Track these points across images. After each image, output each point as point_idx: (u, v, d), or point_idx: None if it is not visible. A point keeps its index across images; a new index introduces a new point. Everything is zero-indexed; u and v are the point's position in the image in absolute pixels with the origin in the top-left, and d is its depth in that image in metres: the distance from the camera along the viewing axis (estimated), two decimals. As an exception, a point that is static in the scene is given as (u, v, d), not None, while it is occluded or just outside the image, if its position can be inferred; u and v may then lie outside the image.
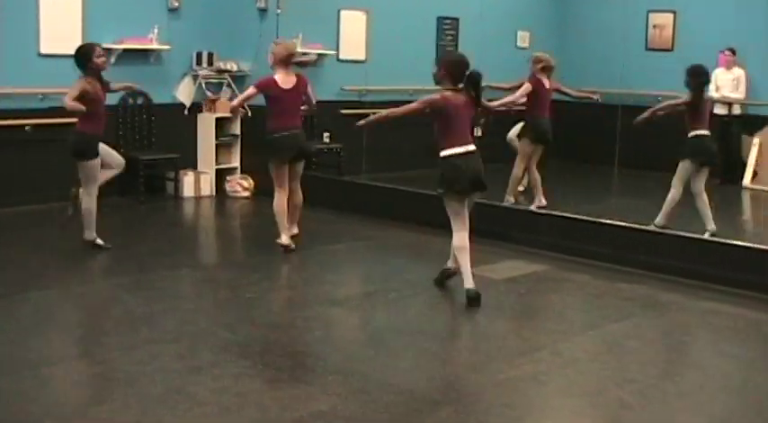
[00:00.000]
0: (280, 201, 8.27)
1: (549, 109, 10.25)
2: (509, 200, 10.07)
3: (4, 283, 7.07)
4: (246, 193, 11.33)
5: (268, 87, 8.15)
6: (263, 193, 11.11)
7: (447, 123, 6.77)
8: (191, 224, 10.69)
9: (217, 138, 11.36)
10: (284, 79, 8.13)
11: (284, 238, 8.28)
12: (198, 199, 11.09)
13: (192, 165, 11.35)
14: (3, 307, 6.55)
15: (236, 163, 11.56)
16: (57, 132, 10.14)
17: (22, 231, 9.13)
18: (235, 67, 11.47)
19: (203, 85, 11.38)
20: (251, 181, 11.38)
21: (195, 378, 5.19)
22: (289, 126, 8.16)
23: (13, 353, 5.58)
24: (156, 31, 10.88)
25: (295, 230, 8.50)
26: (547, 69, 10.18)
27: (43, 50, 10.19)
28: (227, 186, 11.40)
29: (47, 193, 10.00)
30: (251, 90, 8.27)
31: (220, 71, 11.44)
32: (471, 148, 6.79)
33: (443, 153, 6.75)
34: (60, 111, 10.10)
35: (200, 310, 6.73)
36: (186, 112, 11.35)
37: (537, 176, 10.34)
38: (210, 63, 11.39)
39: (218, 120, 11.36)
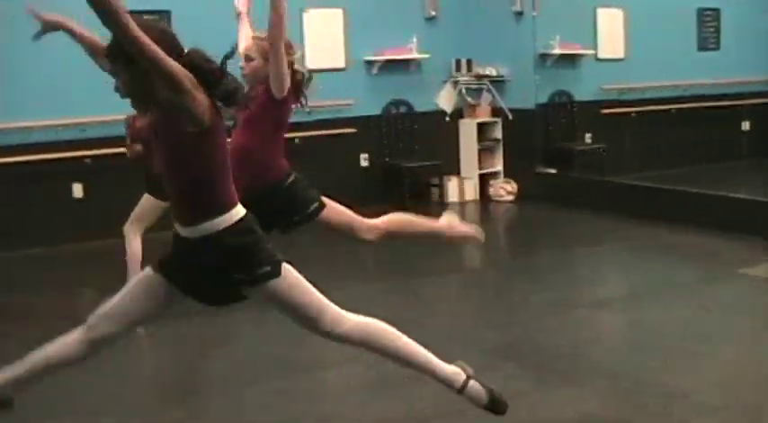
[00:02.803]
0: None
1: None
2: None
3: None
4: (510, 197, 11.33)
5: None
6: (526, 197, 11.11)
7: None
8: (455, 229, 10.80)
9: (479, 143, 11.43)
10: None
11: None
12: (462, 204, 11.20)
13: (456, 170, 11.49)
14: (276, 313, 6.83)
15: (498, 167, 11.59)
16: (323, 144, 10.57)
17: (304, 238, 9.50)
18: (494, 72, 11.52)
19: (463, 92, 11.50)
20: (514, 185, 11.37)
21: (465, 380, 5.25)
22: None
23: (288, 356, 5.84)
24: (414, 40, 11.11)
25: None
26: None
27: (308, 66, 10.56)
28: (491, 191, 11.45)
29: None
30: None
31: (480, 77, 11.52)
32: None
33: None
34: (328, 123, 10.58)
35: (468, 313, 6.80)
36: (447, 118, 11.51)
37: None
38: (470, 69, 11.50)
39: (479, 125, 11.45)
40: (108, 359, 4.85)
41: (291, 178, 5.06)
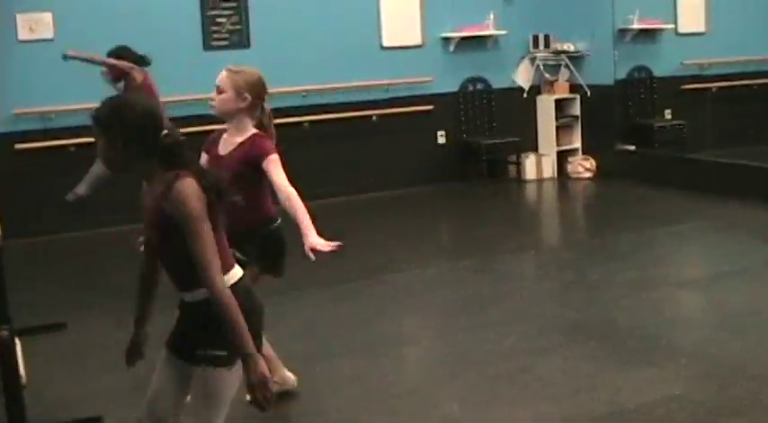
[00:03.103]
0: None
1: None
2: None
3: (361, 267, 7.45)
4: (588, 175, 11.21)
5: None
6: (605, 174, 11.01)
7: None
8: (534, 206, 10.77)
9: (557, 119, 11.34)
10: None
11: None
12: (540, 181, 11.13)
13: (533, 147, 11.42)
14: (358, 290, 6.91)
15: (577, 144, 11.48)
16: (399, 122, 10.60)
17: (382, 216, 9.57)
18: (572, 48, 11.39)
19: (541, 68, 11.41)
20: (593, 162, 11.26)
21: (545, 358, 5.24)
22: None
23: (370, 333, 5.90)
24: (491, 16, 11.04)
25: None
26: None
27: (385, 43, 10.62)
28: (569, 168, 11.35)
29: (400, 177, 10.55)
30: None
31: (557, 53, 11.42)
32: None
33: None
34: (405, 101, 10.61)
35: (547, 291, 6.78)
36: (525, 95, 11.44)
37: None
38: (547, 45, 11.40)
39: (557, 101, 11.35)
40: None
41: (274, 225, 4.63)
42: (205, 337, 3.18)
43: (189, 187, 3.03)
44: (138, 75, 7.70)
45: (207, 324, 3.15)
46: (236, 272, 3.23)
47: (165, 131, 3.18)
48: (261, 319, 3.27)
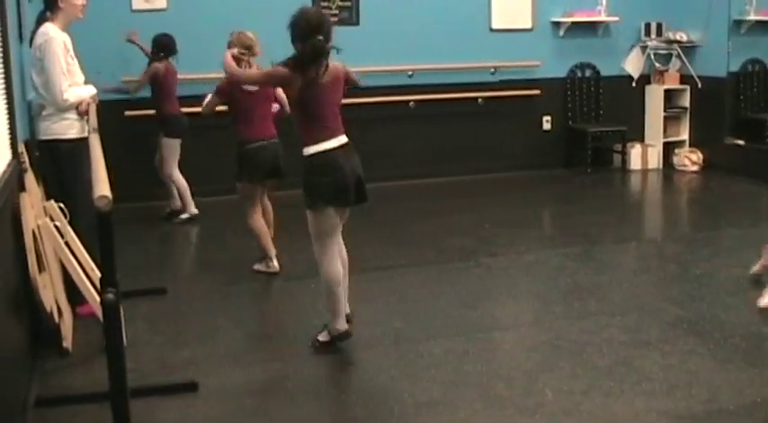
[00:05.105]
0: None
1: None
2: None
3: (459, 249, 7.44)
4: (695, 168, 11.00)
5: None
6: (712, 167, 10.78)
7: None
8: (637, 197, 10.59)
9: (665, 110, 11.14)
10: None
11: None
12: (644, 172, 10.96)
13: (640, 137, 11.25)
14: (456, 272, 6.90)
15: (684, 136, 11.27)
16: (505, 105, 10.53)
17: (483, 199, 9.53)
18: (684, 38, 11.16)
19: (652, 57, 11.21)
20: (700, 155, 11.04)
21: (643, 352, 5.16)
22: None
23: (466, 315, 5.88)
24: (604, 2, 10.88)
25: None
26: None
27: (494, 26, 10.54)
28: (675, 160, 11.15)
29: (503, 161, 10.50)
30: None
31: (669, 42, 11.20)
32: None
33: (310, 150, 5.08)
34: (511, 84, 10.53)
35: (648, 284, 6.67)
36: (634, 84, 11.26)
37: None
38: (659, 34, 11.20)
39: (666, 91, 11.15)
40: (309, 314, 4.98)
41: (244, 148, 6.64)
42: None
43: None
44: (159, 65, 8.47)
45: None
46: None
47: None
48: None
